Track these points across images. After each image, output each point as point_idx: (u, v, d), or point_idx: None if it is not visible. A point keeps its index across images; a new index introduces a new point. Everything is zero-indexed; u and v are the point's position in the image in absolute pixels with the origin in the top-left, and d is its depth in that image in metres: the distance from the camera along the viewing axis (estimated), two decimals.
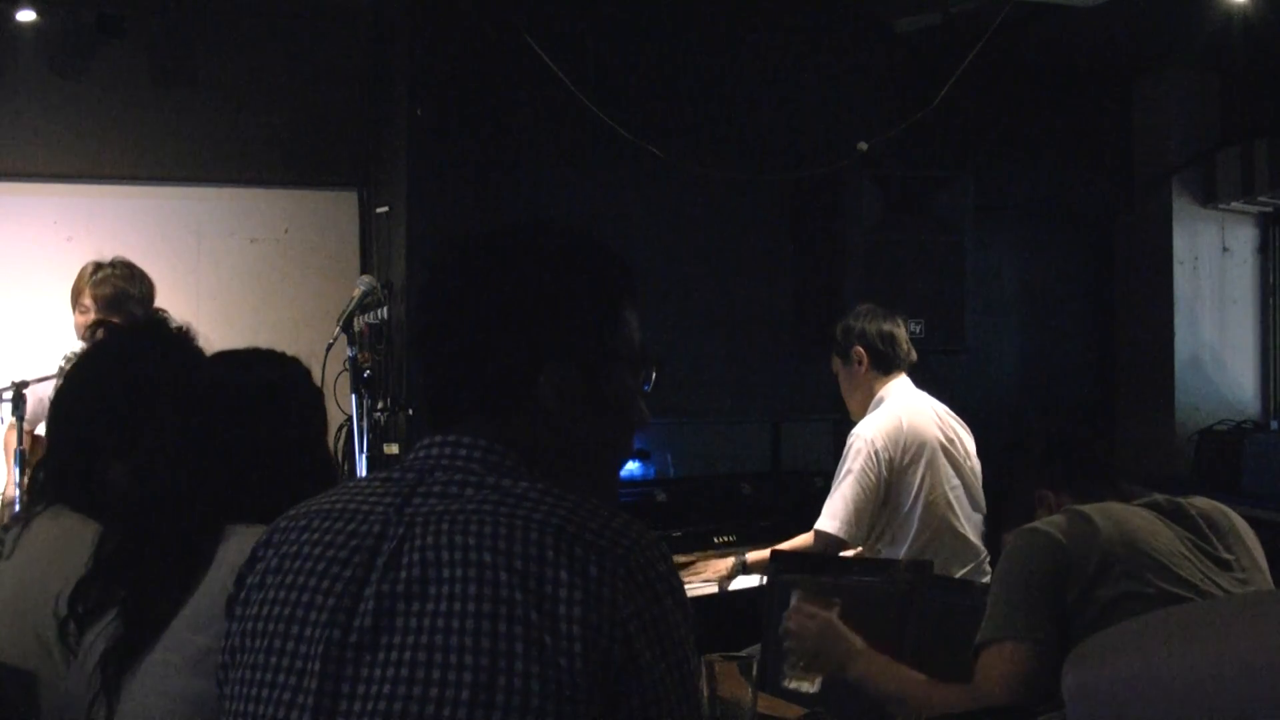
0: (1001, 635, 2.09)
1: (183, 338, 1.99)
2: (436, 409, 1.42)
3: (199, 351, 1.98)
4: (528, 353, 1.38)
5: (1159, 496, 2.26)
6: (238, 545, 1.64)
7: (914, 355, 3.88)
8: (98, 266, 3.90)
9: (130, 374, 1.90)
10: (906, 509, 3.72)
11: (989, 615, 2.13)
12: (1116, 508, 2.19)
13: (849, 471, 3.73)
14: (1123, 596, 2.04)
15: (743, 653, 2.15)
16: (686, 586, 3.84)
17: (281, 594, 1.32)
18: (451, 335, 1.41)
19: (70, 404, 1.92)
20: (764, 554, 3.81)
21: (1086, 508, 2.18)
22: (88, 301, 3.86)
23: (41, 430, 3.98)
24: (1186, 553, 2.15)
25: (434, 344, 1.42)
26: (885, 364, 3.83)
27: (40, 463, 1.95)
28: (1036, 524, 2.17)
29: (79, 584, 1.69)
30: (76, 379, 1.96)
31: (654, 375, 1.49)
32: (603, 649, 1.21)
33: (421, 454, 1.39)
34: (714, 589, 3.99)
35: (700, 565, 4.12)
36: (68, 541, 1.75)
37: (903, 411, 3.77)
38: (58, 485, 1.86)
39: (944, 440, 3.79)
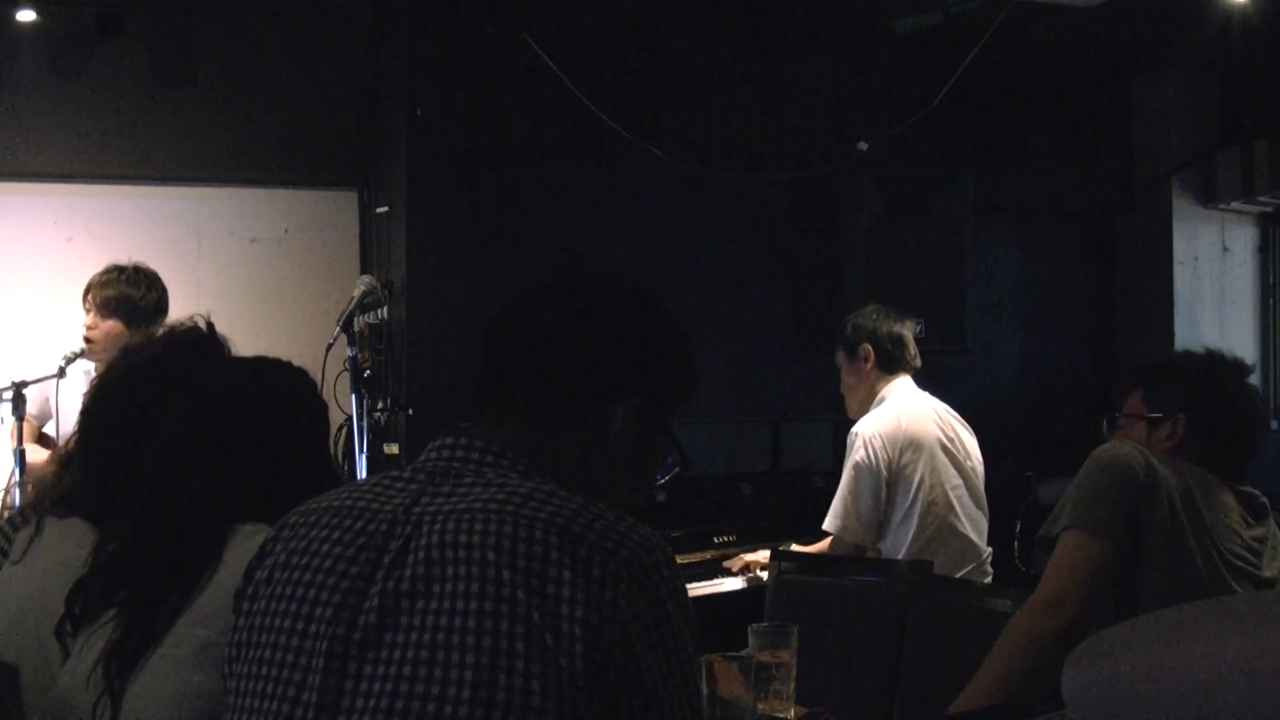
0: (1075, 523, 2.23)
1: (211, 345, 1.97)
2: (486, 399, 1.44)
3: (224, 358, 1.96)
4: (611, 376, 1.43)
5: (1260, 498, 2.37)
6: (243, 545, 1.64)
7: (919, 361, 3.89)
8: (111, 269, 3.91)
9: (153, 382, 1.88)
10: (906, 508, 3.71)
11: (1065, 506, 2.27)
12: (1211, 480, 2.30)
13: (849, 470, 3.74)
14: (1171, 556, 2.20)
15: (742, 653, 2.16)
16: (702, 584, 3.95)
17: (288, 590, 1.33)
18: (537, 339, 1.44)
19: (97, 416, 1.91)
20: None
21: (1183, 464, 2.30)
22: (89, 301, 3.88)
23: (49, 429, 4.01)
24: (1239, 551, 2.25)
25: (513, 344, 1.44)
26: (891, 364, 3.84)
27: (61, 470, 1.93)
28: (1136, 447, 2.29)
29: (78, 583, 1.69)
30: (106, 391, 1.93)
31: (676, 469, 1.55)
32: (604, 650, 1.21)
33: (433, 455, 1.40)
34: (720, 588, 4.05)
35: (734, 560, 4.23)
36: (79, 556, 1.75)
37: (901, 411, 3.78)
38: (80, 496, 1.84)
39: (944, 439, 3.78)
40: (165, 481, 1.74)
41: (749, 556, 4.20)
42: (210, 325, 1.94)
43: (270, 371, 1.88)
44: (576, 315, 1.45)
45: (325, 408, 1.93)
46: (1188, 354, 2.57)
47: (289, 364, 1.91)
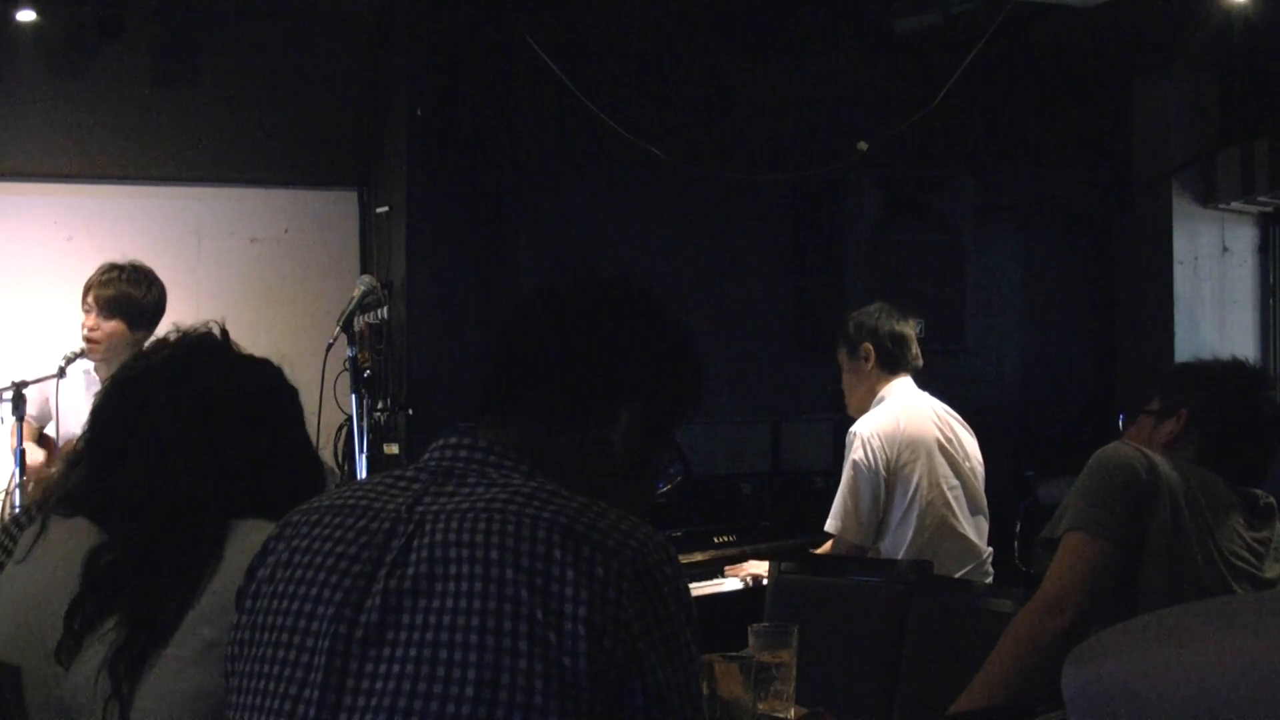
0: (1077, 525, 2.25)
1: (223, 351, 1.97)
2: (492, 400, 1.45)
3: (221, 359, 1.96)
4: (619, 381, 1.44)
5: (1265, 500, 2.39)
6: (244, 541, 1.64)
7: (920, 361, 3.88)
8: (110, 268, 3.89)
9: (153, 383, 1.89)
10: (905, 509, 3.71)
11: (1068, 508, 2.29)
12: (1214, 481, 2.32)
13: (848, 470, 3.74)
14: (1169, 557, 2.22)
15: (742, 653, 2.16)
16: (702, 585, 3.95)
17: (290, 588, 1.33)
18: (545, 344, 1.45)
19: (102, 415, 1.91)
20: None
21: (1185, 464, 2.32)
22: (90, 301, 3.87)
23: (50, 430, 4.01)
24: (1240, 553, 2.27)
25: (522, 348, 1.46)
26: (892, 364, 3.83)
27: (68, 469, 1.93)
28: (1136, 448, 2.32)
29: (74, 602, 1.68)
30: (112, 390, 1.94)
31: (679, 478, 1.59)
32: (607, 649, 1.21)
33: (436, 455, 1.41)
34: (720, 588, 4.05)
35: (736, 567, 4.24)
36: (82, 555, 1.75)
37: (900, 411, 3.77)
38: (83, 495, 1.85)
39: (942, 440, 3.78)
40: (159, 480, 1.74)
41: (753, 569, 4.19)
42: (224, 332, 1.94)
43: (249, 369, 1.89)
44: (585, 321, 1.46)
45: (296, 394, 1.94)
46: (1211, 359, 2.59)
47: (256, 357, 1.92)
